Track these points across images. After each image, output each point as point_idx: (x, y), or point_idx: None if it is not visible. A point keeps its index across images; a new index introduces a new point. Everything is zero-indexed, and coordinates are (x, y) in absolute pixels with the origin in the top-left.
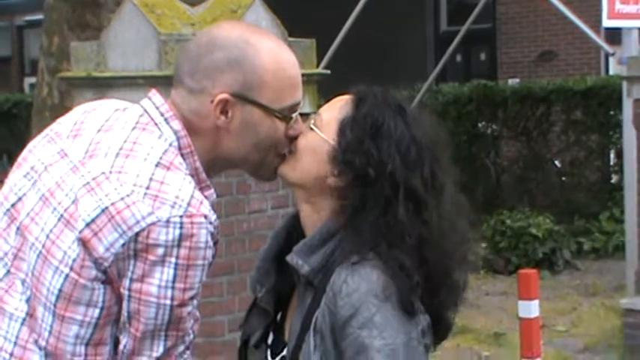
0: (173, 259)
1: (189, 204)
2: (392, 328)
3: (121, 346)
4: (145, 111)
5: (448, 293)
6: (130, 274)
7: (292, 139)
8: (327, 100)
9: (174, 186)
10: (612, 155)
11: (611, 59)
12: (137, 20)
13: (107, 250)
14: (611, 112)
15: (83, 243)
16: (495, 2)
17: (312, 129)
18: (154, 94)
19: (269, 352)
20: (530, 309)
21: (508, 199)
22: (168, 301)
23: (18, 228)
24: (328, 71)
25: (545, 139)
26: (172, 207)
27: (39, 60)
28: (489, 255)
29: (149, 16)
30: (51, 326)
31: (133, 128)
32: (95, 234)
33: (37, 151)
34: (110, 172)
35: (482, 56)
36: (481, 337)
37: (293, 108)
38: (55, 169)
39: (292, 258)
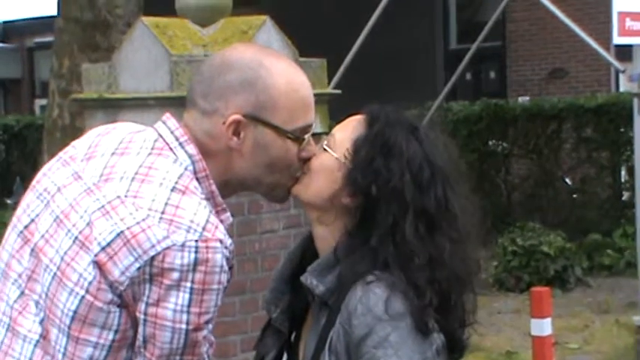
0: (188, 284)
1: (204, 228)
2: (407, 347)
3: None
4: (160, 135)
5: (461, 313)
6: (145, 298)
7: (305, 161)
8: (340, 120)
9: (189, 210)
10: (623, 172)
11: (621, 76)
12: (148, 41)
13: (122, 273)
14: (622, 129)
15: (99, 266)
16: (505, 20)
17: (325, 149)
18: (169, 118)
19: None
20: (543, 327)
21: (519, 216)
22: (183, 326)
23: (32, 249)
24: (339, 91)
25: (556, 156)
26: (188, 231)
27: (49, 82)
28: (501, 273)
29: (160, 38)
30: (65, 348)
31: (149, 154)
32: (110, 257)
33: (50, 173)
34: (126, 197)
35: (492, 74)
36: (493, 355)
37: (305, 129)
38: (68, 190)
39: (307, 278)
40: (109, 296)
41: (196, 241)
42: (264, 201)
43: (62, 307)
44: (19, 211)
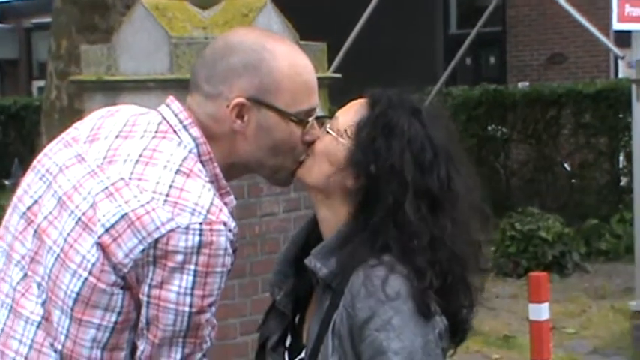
0: (192, 266)
1: (208, 211)
2: (409, 330)
3: (138, 352)
4: (164, 118)
5: (463, 295)
6: (149, 280)
7: (308, 145)
8: (342, 104)
9: (194, 193)
10: (621, 158)
11: (620, 62)
12: (148, 23)
13: (126, 255)
14: (620, 115)
15: (102, 248)
16: (505, 5)
17: (328, 132)
18: (172, 101)
19: (287, 355)
20: (541, 311)
21: (518, 201)
22: (186, 308)
23: (35, 231)
24: (339, 75)
25: (554, 142)
26: (192, 214)
27: (47, 63)
28: (499, 258)
29: (160, 20)
30: (68, 329)
31: (153, 137)
32: (114, 239)
33: (52, 154)
34: (130, 179)
35: (492, 59)
36: (491, 339)
37: (309, 112)
38: (71, 172)
39: (311, 261)
40: (113, 278)
41: (200, 223)
42: (264, 184)
43: (65, 288)
44: (19, 192)
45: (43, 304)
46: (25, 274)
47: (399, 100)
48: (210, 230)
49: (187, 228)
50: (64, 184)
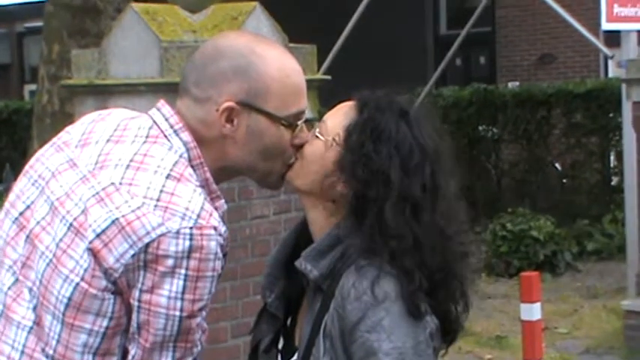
0: (183, 271)
1: (199, 215)
2: (400, 331)
3: (129, 357)
4: (154, 122)
5: (452, 295)
6: (139, 285)
7: (298, 148)
8: (331, 107)
9: (184, 198)
10: (612, 158)
11: (610, 62)
12: (138, 27)
13: (117, 260)
14: (611, 115)
15: (93, 253)
16: (494, 6)
17: (317, 137)
18: (163, 105)
19: (279, 357)
20: (532, 311)
21: (509, 202)
22: (177, 312)
23: (27, 236)
24: (329, 77)
25: (545, 142)
26: (182, 218)
27: (39, 67)
28: (491, 258)
29: (150, 24)
30: (59, 335)
31: (144, 142)
32: (105, 245)
33: (44, 159)
34: (121, 184)
35: (482, 60)
36: (483, 340)
37: (298, 116)
38: (63, 177)
39: (301, 263)
40: (104, 283)
41: (191, 228)
42: (255, 187)
43: (57, 294)
44: (11, 196)
45: (34, 309)
46: (17, 280)
47: (387, 103)
48: (201, 235)
49: (178, 232)
50: (57, 189)
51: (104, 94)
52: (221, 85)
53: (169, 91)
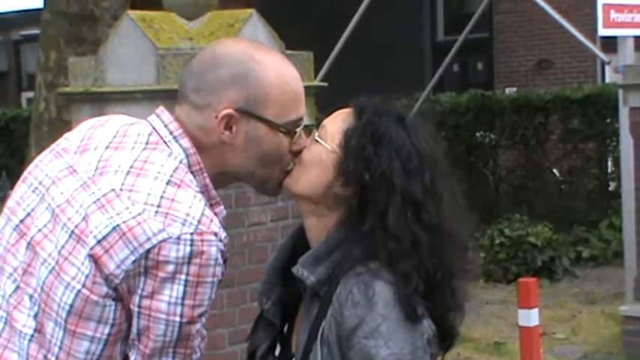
0: (183, 276)
1: (199, 221)
2: (398, 337)
3: None
4: (154, 129)
5: (450, 299)
6: (140, 290)
7: (296, 154)
8: (329, 113)
9: (185, 203)
10: (610, 163)
11: (607, 67)
12: (135, 35)
13: (118, 267)
14: (608, 121)
15: (94, 260)
16: (492, 12)
17: (317, 141)
18: (162, 112)
19: None
20: (530, 317)
21: (506, 208)
22: (177, 318)
23: (28, 243)
24: (326, 84)
25: (542, 147)
26: (183, 224)
27: (36, 75)
28: (488, 264)
29: (147, 31)
30: (61, 341)
31: (144, 149)
32: (106, 251)
33: (43, 165)
34: (121, 190)
35: (480, 66)
36: (481, 346)
37: (297, 122)
38: (63, 184)
39: (298, 270)
40: (104, 290)
41: (192, 233)
42: (252, 193)
43: (58, 301)
44: (10, 203)
45: (35, 316)
46: (17, 287)
47: (385, 109)
48: (202, 240)
49: (179, 238)
50: (57, 196)
51: (101, 101)
52: (220, 92)
53: (166, 98)
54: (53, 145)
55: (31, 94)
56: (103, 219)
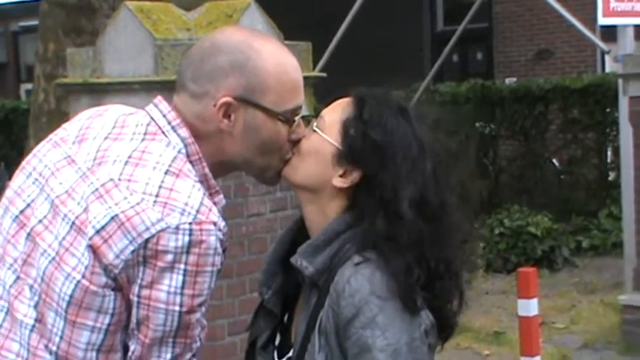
0: (182, 266)
1: (198, 211)
2: (394, 327)
3: (129, 353)
4: (152, 119)
5: (449, 289)
6: (139, 280)
7: (295, 143)
8: (328, 103)
9: (183, 193)
10: (609, 153)
11: (607, 57)
12: (133, 26)
13: (117, 256)
14: (608, 110)
15: (93, 250)
16: (491, 1)
17: (315, 131)
18: (160, 102)
19: (276, 354)
20: (530, 307)
21: (506, 198)
22: (177, 308)
23: (28, 234)
24: (324, 74)
25: (542, 137)
26: (182, 214)
27: (35, 66)
28: (488, 254)
29: (145, 22)
30: (62, 331)
31: (143, 139)
32: (105, 241)
33: (41, 155)
34: (119, 180)
35: (479, 56)
36: (481, 336)
37: (295, 111)
38: (62, 175)
39: (297, 260)
40: (104, 280)
41: (190, 223)
42: (251, 184)
43: (59, 291)
44: (9, 193)
45: (35, 306)
46: (18, 277)
47: (384, 99)
48: (200, 230)
49: (177, 228)
50: (56, 187)
51: (99, 92)
52: (218, 80)
53: (164, 89)
54: (51, 135)
55: (29, 86)
56: (102, 209)
